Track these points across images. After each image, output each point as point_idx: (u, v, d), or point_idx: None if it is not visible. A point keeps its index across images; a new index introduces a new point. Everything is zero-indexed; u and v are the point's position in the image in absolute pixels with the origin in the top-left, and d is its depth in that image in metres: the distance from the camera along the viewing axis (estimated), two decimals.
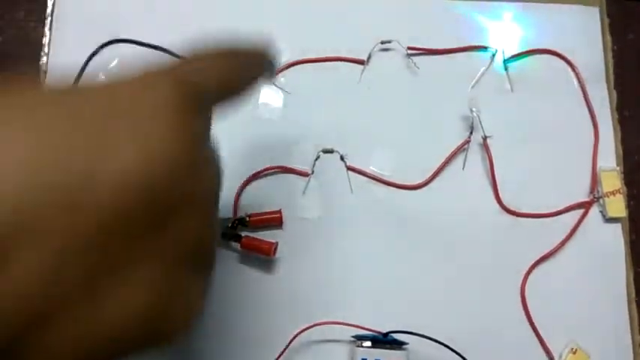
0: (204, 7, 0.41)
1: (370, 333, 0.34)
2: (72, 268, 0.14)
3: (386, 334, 0.33)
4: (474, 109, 0.38)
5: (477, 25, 0.42)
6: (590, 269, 0.38)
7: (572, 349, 0.36)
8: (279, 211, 0.37)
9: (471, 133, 0.39)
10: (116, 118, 0.15)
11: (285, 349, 0.34)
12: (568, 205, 0.38)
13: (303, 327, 0.35)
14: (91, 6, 0.41)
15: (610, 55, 0.42)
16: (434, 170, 0.39)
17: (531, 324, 0.36)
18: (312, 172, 0.38)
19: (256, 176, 0.38)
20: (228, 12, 0.41)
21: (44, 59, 0.40)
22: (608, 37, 0.42)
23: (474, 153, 0.39)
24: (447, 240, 0.38)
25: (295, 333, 0.34)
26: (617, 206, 0.38)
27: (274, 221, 0.37)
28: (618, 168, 0.39)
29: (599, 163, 0.39)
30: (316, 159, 0.38)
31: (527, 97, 0.40)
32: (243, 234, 0.36)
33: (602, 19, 0.42)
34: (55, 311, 0.13)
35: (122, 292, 0.15)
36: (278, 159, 0.38)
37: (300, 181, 0.38)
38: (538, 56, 0.41)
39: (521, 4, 0.42)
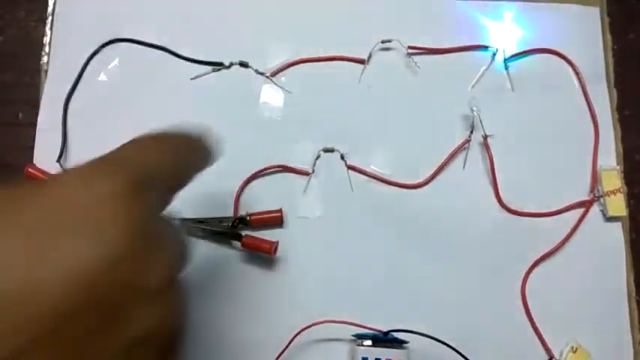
0: (204, 7, 0.41)
1: (371, 332, 0.34)
2: None
3: (386, 333, 0.33)
4: (474, 109, 0.38)
5: (477, 25, 0.42)
6: (591, 268, 0.38)
7: (573, 347, 0.36)
8: (280, 210, 0.37)
9: (472, 132, 0.39)
10: (57, 219, 0.15)
11: (285, 348, 0.34)
12: (568, 204, 0.38)
13: (304, 326, 0.35)
14: (92, 6, 0.41)
15: (610, 54, 0.42)
16: (434, 169, 0.39)
17: (532, 322, 0.36)
18: (313, 171, 0.38)
19: (257, 175, 0.38)
20: (228, 12, 0.41)
21: (45, 59, 0.40)
22: (609, 37, 0.42)
23: (475, 152, 0.39)
24: (448, 239, 0.38)
25: (296, 332, 0.34)
26: (618, 205, 0.38)
27: (275, 220, 0.37)
28: (618, 167, 0.39)
29: (600, 162, 0.39)
30: (317, 158, 0.39)
31: (528, 96, 0.40)
32: (243, 233, 0.36)
33: (602, 19, 0.42)
34: None
35: None
36: (278, 158, 0.38)
37: (301, 180, 0.38)
38: (538, 56, 0.41)
39: (521, 3, 0.42)
